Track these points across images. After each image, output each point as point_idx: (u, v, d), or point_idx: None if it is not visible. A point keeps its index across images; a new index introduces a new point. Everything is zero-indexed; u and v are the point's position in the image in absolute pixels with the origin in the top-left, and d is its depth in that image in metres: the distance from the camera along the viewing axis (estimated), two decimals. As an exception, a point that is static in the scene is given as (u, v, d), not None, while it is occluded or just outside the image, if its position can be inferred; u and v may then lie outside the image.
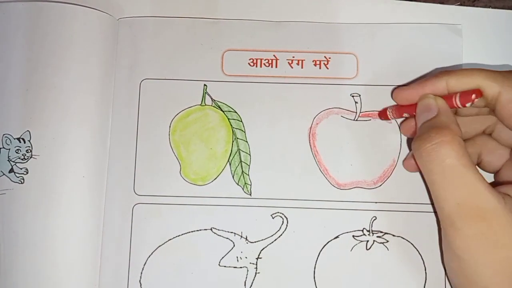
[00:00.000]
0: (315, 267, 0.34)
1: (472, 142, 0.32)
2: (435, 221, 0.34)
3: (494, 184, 0.30)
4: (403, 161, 0.35)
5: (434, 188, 0.28)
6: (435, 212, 0.34)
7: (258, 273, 0.34)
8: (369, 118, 0.36)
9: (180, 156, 0.36)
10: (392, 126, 0.36)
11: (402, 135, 0.35)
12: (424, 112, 0.31)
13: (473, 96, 0.29)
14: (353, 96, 0.36)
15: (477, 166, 0.33)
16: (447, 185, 0.28)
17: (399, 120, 0.36)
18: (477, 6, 0.38)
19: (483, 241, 0.27)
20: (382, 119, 0.35)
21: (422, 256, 0.34)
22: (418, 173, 0.35)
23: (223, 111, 0.36)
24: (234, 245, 0.35)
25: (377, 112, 0.36)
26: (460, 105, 0.30)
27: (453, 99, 0.30)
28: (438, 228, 0.34)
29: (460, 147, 0.28)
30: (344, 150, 0.35)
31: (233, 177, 0.35)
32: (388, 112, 0.34)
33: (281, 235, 0.35)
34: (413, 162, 0.32)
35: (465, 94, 0.29)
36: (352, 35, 0.37)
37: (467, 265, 0.28)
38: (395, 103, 0.34)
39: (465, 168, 0.27)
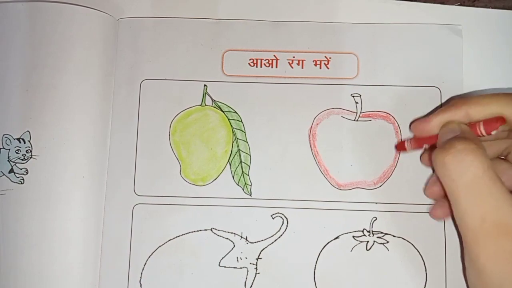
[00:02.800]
0: (315, 267, 0.34)
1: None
2: (435, 222, 0.34)
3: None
4: (426, 190, 0.34)
5: (458, 201, 0.27)
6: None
7: (258, 273, 0.34)
8: (369, 119, 0.36)
9: (180, 156, 0.36)
10: (392, 127, 0.36)
11: (402, 135, 0.35)
12: (447, 134, 0.29)
13: (498, 123, 0.28)
14: (353, 96, 0.36)
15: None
16: (471, 198, 0.26)
17: (400, 122, 0.36)
18: (477, 6, 0.38)
19: (509, 258, 0.26)
20: (399, 151, 0.35)
21: (423, 257, 0.34)
22: (418, 173, 0.35)
23: (223, 112, 0.36)
24: (234, 246, 0.35)
25: (377, 112, 0.36)
26: (485, 134, 0.29)
27: (477, 128, 0.29)
28: (459, 241, 0.34)
29: (485, 158, 0.26)
30: (344, 151, 0.35)
31: (233, 177, 0.35)
32: (406, 144, 0.34)
33: (281, 235, 0.35)
34: (437, 189, 0.31)
35: (489, 122, 0.28)
36: (352, 35, 0.37)
37: (492, 283, 0.27)
38: (411, 130, 0.34)
39: (491, 180, 0.26)
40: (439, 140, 0.30)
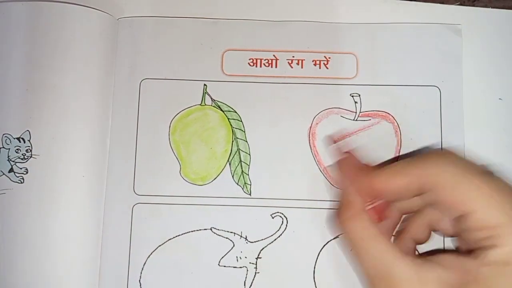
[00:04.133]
0: (314, 267, 0.34)
1: (420, 213, 0.31)
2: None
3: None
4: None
5: (356, 262, 0.29)
6: None
7: (258, 273, 0.34)
8: (368, 118, 0.36)
9: (180, 156, 0.36)
10: (391, 127, 0.36)
11: (402, 135, 0.35)
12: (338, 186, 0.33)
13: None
14: (352, 96, 0.36)
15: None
16: (359, 259, 0.29)
17: (399, 121, 0.36)
18: (477, 6, 0.38)
19: None
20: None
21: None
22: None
23: (223, 111, 0.36)
24: (233, 245, 0.35)
25: (376, 111, 0.36)
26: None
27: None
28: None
29: (360, 221, 0.29)
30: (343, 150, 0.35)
31: (233, 177, 0.35)
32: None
33: (280, 235, 0.35)
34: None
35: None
36: (352, 35, 0.37)
37: None
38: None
39: (367, 241, 0.28)
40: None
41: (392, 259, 0.27)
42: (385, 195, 0.30)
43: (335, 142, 0.35)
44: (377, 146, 0.35)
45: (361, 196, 0.30)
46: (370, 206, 0.31)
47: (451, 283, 0.25)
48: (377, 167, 0.30)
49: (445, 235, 0.31)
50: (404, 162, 0.29)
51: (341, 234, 0.31)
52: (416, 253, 0.33)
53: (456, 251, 0.30)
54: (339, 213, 0.30)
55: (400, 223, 0.33)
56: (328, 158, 0.35)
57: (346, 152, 0.34)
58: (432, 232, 0.32)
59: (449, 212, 0.27)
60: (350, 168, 0.32)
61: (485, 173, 0.27)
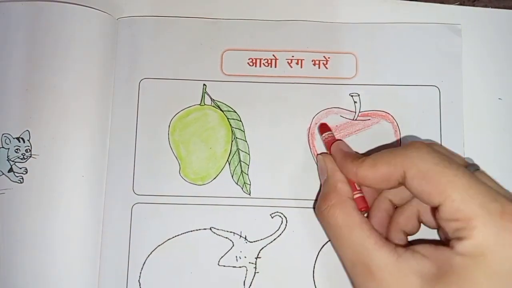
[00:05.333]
0: (314, 266, 0.34)
1: (409, 205, 0.32)
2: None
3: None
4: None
5: (334, 249, 0.30)
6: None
7: (257, 272, 0.34)
8: (368, 118, 0.36)
9: (180, 155, 0.36)
10: (391, 126, 0.36)
11: (401, 134, 0.35)
12: (320, 175, 0.34)
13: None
14: (352, 96, 0.36)
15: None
16: (339, 246, 0.29)
17: (399, 121, 0.36)
18: (477, 6, 0.38)
19: None
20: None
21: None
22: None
23: (222, 111, 0.36)
24: (233, 245, 0.35)
25: (376, 111, 0.36)
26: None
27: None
28: None
29: (344, 207, 0.30)
30: (343, 150, 0.35)
31: (232, 176, 0.35)
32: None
33: (280, 234, 0.35)
34: None
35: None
36: (351, 35, 0.37)
37: None
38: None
39: (350, 228, 0.29)
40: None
41: (372, 246, 0.28)
42: (369, 183, 0.30)
43: (322, 133, 0.35)
44: (377, 145, 0.35)
45: (350, 184, 0.31)
46: (357, 195, 0.31)
47: (427, 272, 0.26)
48: (363, 155, 0.31)
49: (428, 226, 0.32)
50: (387, 152, 0.29)
51: (322, 222, 0.31)
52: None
53: (438, 241, 0.30)
54: (323, 200, 0.31)
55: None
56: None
57: (338, 140, 0.34)
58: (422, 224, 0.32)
59: (427, 203, 0.28)
60: (339, 154, 0.32)
61: (464, 166, 0.27)
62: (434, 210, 0.28)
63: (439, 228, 0.31)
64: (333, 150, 0.33)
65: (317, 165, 0.35)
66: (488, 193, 0.26)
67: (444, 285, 0.25)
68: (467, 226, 0.25)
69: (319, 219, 0.32)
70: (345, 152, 0.32)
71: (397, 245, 0.28)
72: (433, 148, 0.28)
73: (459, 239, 0.25)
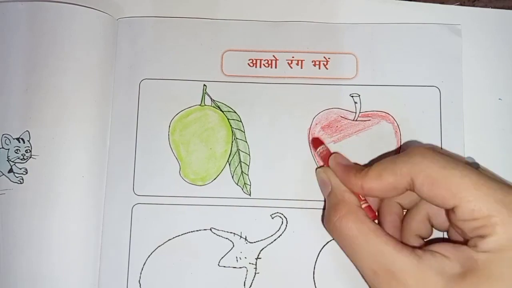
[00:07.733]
0: (314, 267, 0.34)
1: (418, 208, 0.31)
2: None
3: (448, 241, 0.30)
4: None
5: (352, 261, 0.29)
6: None
7: (258, 273, 0.34)
8: (368, 118, 0.36)
9: (180, 156, 0.36)
10: (391, 127, 0.36)
11: (401, 135, 0.35)
12: (322, 188, 0.33)
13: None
14: (352, 96, 0.36)
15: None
16: (357, 256, 0.29)
17: (399, 121, 0.36)
18: (477, 6, 0.38)
19: None
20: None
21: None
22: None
23: (222, 111, 0.36)
24: (233, 245, 0.35)
25: (376, 112, 0.36)
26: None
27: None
28: None
29: (356, 217, 0.29)
30: (343, 151, 0.35)
31: (232, 177, 0.35)
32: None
33: (280, 235, 0.35)
34: None
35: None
36: (351, 35, 0.37)
37: None
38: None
39: (366, 236, 0.28)
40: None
41: (392, 251, 0.27)
42: (375, 194, 0.30)
43: (316, 148, 0.35)
44: (377, 146, 0.35)
45: (354, 195, 0.31)
46: (365, 205, 0.31)
47: (450, 272, 0.26)
48: (365, 166, 0.31)
49: (438, 229, 0.32)
50: (391, 161, 0.29)
51: (334, 234, 0.30)
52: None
53: (453, 241, 0.30)
54: (333, 212, 0.30)
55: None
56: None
57: (334, 153, 0.34)
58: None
59: (441, 206, 0.28)
60: (340, 168, 0.32)
61: (468, 166, 0.27)
62: (448, 212, 0.28)
63: (449, 229, 0.31)
64: (332, 164, 0.33)
65: (318, 167, 0.35)
66: (500, 187, 0.26)
67: (471, 283, 0.25)
68: (487, 223, 0.25)
69: (330, 233, 0.31)
70: (345, 165, 0.32)
71: (414, 247, 0.28)
72: (436, 151, 0.28)
73: (481, 237, 0.26)
